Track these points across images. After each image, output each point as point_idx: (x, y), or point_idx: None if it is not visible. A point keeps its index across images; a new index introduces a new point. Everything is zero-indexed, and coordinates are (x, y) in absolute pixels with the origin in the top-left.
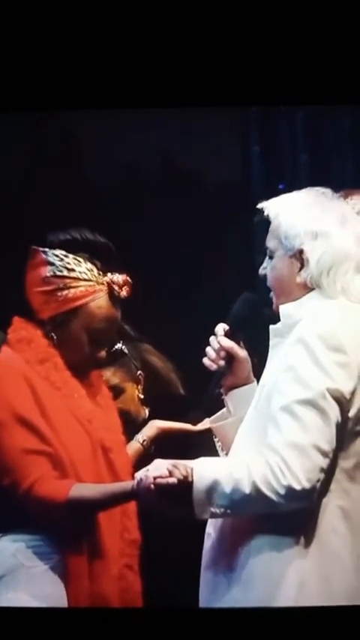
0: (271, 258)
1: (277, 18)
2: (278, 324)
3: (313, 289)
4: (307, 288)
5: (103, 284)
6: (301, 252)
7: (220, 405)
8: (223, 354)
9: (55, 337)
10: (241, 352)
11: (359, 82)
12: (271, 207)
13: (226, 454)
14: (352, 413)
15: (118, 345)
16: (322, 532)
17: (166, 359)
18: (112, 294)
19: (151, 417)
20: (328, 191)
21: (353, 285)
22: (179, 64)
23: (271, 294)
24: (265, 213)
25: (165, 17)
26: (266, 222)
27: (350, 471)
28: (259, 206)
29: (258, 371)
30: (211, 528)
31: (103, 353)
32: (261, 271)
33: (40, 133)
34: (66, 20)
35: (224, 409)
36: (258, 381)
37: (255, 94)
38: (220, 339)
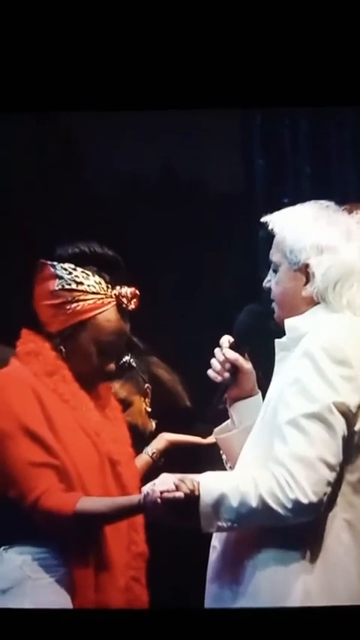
0: (275, 271)
1: (278, 24)
2: (284, 338)
3: (318, 303)
4: (312, 302)
5: (111, 297)
6: (306, 266)
7: (225, 416)
8: (227, 366)
9: (63, 350)
10: (246, 364)
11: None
12: (275, 220)
13: (231, 466)
14: (358, 427)
15: (126, 358)
16: (328, 545)
17: (172, 371)
18: (120, 306)
19: (158, 429)
20: (331, 204)
21: (359, 299)
22: (181, 71)
23: (273, 304)
24: (270, 227)
25: (167, 28)
26: (270, 236)
27: (356, 484)
28: (263, 220)
29: (263, 384)
30: (217, 541)
31: (112, 365)
32: (265, 284)
33: (39, 139)
34: (64, 24)
35: (228, 421)
36: (262, 394)
37: (257, 98)
38: (224, 351)
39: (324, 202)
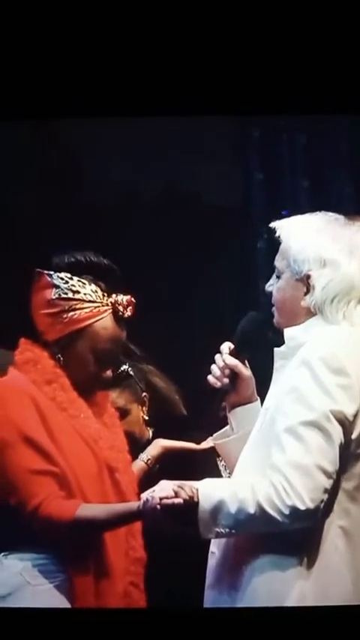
0: (278, 277)
1: (275, 35)
2: (282, 347)
3: (315, 314)
4: (310, 313)
5: (107, 305)
6: (308, 277)
7: (223, 423)
8: (227, 372)
9: (61, 358)
10: (246, 371)
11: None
12: (283, 227)
13: (229, 471)
14: (354, 435)
15: (124, 367)
16: (324, 551)
17: (168, 380)
18: (116, 314)
19: (155, 437)
20: (341, 218)
21: (356, 314)
22: (180, 83)
23: (273, 308)
24: (277, 234)
25: (166, 41)
26: (270, 245)
27: (352, 491)
28: (272, 225)
29: (261, 390)
30: (215, 547)
31: (109, 373)
32: (267, 288)
33: (36, 150)
34: (61, 32)
35: (227, 427)
36: (261, 401)
37: (256, 107)
38: (225, 357)
39: (333, 215)
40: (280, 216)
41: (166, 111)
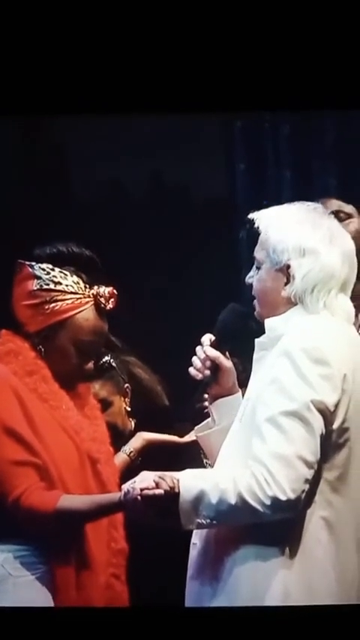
0: (258, 268)
1: (259, 29)
2: (263, 338)
3: (296, 304)
4: (290, 303)
5: (89, 297)
6: (287, 267)
7: (205, 414)
8: (208, 363)
9: (42, 350)
10: (227, 362)
11: (342, 88)
12: (262, 218)
13: (211, 464)
14: (335, 425)
15: (106, 358)
16: (306, 542)
17: (151, 371)
18: (98, 306)
19: (137, 428)
20: (319, 207)
21: (336, 303)
22: (165, 78)
23: (255, 301)
24: (255, 225)
25: (152, 36)
26: (252, 236)
27: (334, 482)
28: (250, 216)
29: (243, 382)
30: (197, 538)
31: (90, 365)
32: (247, 280)
33: (25, 144)
34: (52, 30)
35: (209, 419)
36: (243, 392)
37: (240, 103)
38: (205, 348)
39: (311, 204)
40: (263, 207)
41: (150, 105)
